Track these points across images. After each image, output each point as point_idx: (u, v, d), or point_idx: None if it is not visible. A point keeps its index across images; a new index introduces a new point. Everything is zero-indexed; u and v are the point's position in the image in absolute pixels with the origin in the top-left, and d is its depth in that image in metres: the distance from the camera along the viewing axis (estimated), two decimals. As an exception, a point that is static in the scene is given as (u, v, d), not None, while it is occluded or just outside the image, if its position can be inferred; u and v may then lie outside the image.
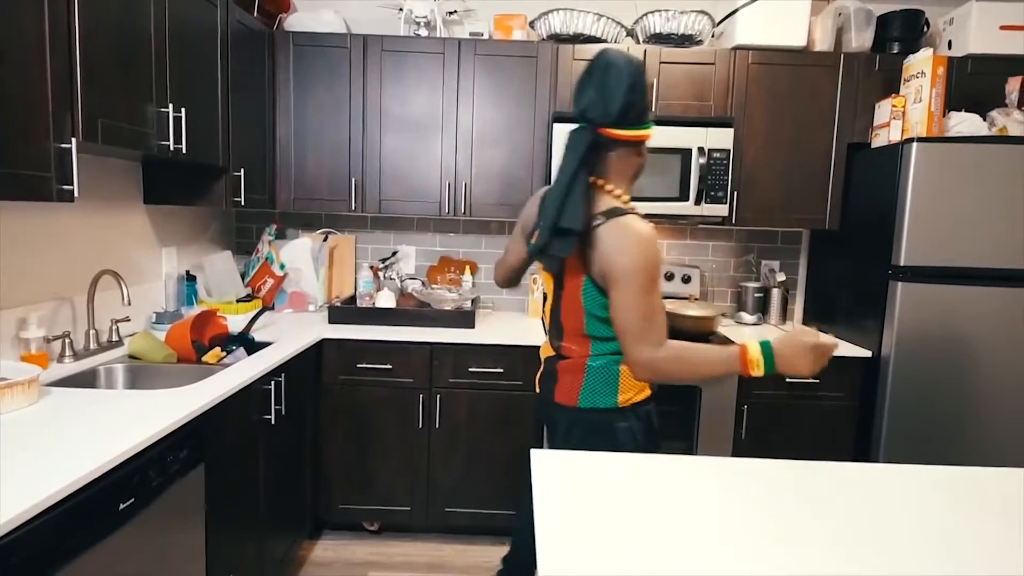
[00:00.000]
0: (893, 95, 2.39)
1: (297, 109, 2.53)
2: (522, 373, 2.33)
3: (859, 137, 2.54)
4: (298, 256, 2.70)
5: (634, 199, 2.45)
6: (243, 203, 2.26)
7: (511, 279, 1.68)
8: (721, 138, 2.44)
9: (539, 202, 1.46)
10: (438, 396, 2.34)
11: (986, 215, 2.12)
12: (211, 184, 2.19)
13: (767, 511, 1.00)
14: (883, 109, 2.45)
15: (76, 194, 1.40)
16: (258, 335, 2.20)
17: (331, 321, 2.44)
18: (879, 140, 2.45)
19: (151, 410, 1.36)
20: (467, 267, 2.83)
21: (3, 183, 1.23)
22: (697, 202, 2.46)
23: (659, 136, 2.43)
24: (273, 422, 1.88)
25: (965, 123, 2.30)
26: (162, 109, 1.74)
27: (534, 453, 1.23)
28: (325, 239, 2.79)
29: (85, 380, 1.72)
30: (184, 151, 1.84)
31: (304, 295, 2.72)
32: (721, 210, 2.47)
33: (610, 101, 1.27)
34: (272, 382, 1.86)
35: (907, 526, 0.97)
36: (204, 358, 1.94)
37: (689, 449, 2.34)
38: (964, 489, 1.12)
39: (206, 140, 2.01)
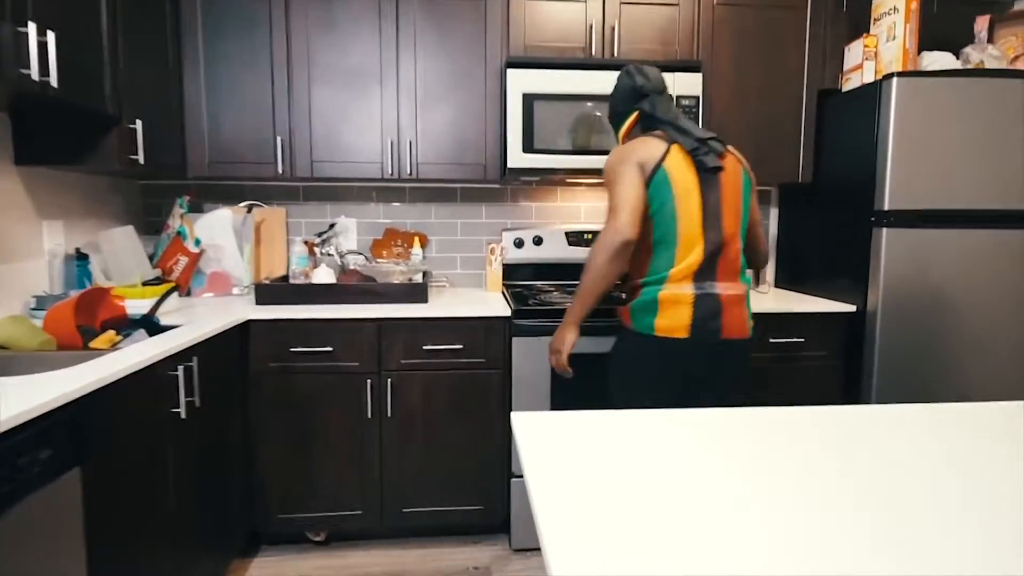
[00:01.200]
0: (864, 34, 2.26)
1: (208, 58, 2.17)
2: (484, 348, 2.06)
3: (829, 83, 2.40)
4: (217, 231, 2.34)
5: (595, 152, 2.23)
6: (143, 162, 1.89)
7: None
8: (690, 84, 2.24)
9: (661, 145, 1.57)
10: (389, 380, 2.04)
11: (973, 153, 2.00)
12: (100, 139, 1.82)
13: (784, 461, 0.77)
14: (854, 51, 2.32)
15: None
16: (168, 319, 1.84)
17: (259, 302, 2.10)
18: (851, 84, 2.32)
19: (7, 399, 1.02)
20: (416, 239, 2.53)
21: None
22: (666, 154, 2.25)
23: (623, 82, 2.21)
24: (184, 416, 1.53)
25: (939, 62, 2.18)
26: (20, 28, 1.37)
27: (515, 417, 0.96)
28: (249, 211, 2.44)
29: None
30: (56, 86, 1.47)
31: (227, 276, 2.35)
32: (692, 163, 2.27)
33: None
34: (180, 368, 1.52)
35: (919, 465, 0.76)
36: (92, 343, 1.57)
37: (671, 423, 2.12)
38: (966, 424, 0.93)
39: (87, 77, 1.65)
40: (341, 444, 2.05)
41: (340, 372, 2.02)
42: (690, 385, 1.57)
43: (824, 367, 2.19)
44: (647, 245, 1.56)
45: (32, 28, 1.39)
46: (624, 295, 1.67)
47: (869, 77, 2.23)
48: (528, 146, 2.20)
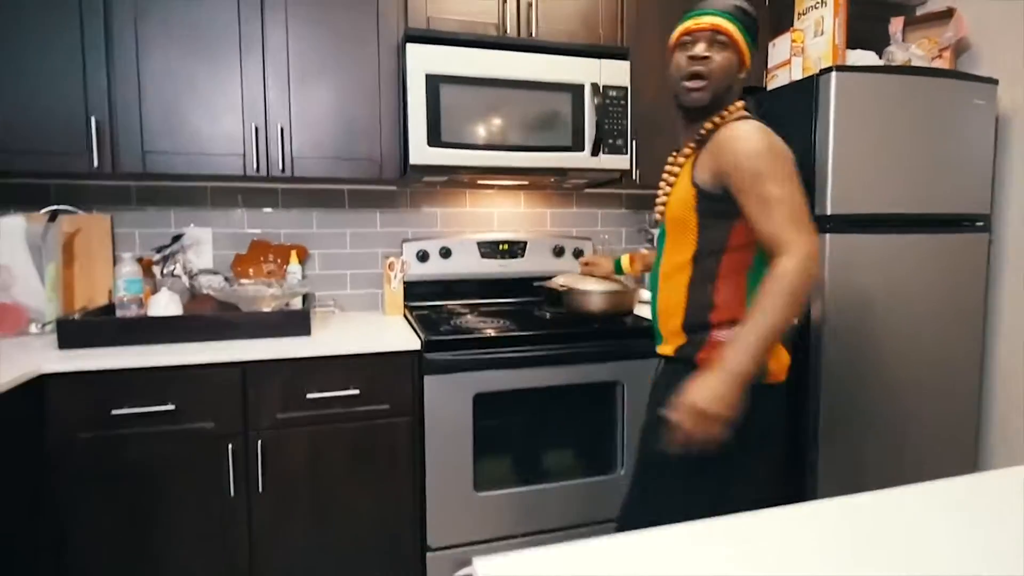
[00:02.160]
0: (791, 29, 2.12)
1: (-21, 4, 1.54)
2: (387, 391, 1.62)
3: (753, 81, 2.24)
4: (4, 247, 1.68)
5: (514, 148, 1.88)
6: None
7: None
8: (617, 73, 1.96)
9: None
10: (259, 442, 1.53)
11: (913, 153, 1.90)
12: None
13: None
14: (779, 47, 2.17)
15: None
16: (-95, 380, 1.21)
17: (63, 345, 1.50)
18: (778, 81, 2.17)
19: None
20: (293, 253, 2.03)
21: None
22: (594, 152, 1.95)
23: (545, 67, 1.88)
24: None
25: (864, 60, 2.09)
26: None
27: (477, 563, 0.57)
28: (53, 219, 1.80)
29: None
30: None
31: (19, 309, 1.70)
32: (622, 162, 1.99)
33: None
34: None
35: None
36: None
37: (611, 467, 1.81)
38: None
39: None
40: (193, 534, 1.51)
41: (187, 437, 1.48)
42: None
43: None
44: (751, 267, 1.17)
45: None
46: (715, 332, 1.17)
47: (798, 74, 2.08)
48: (434, 139, 1.80)
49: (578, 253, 2.31)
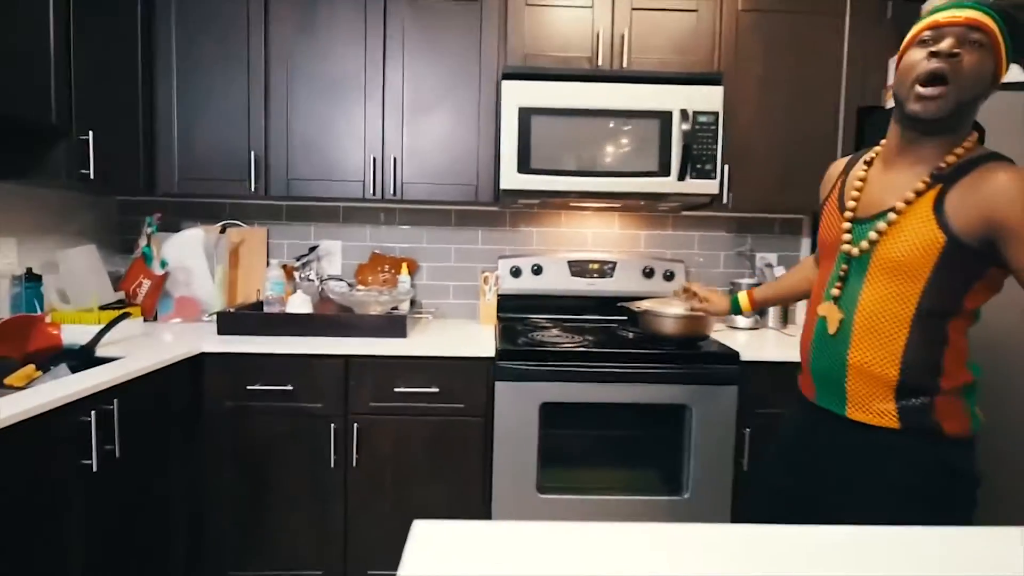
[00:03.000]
0: (913, 44, 1.97)
1: (181, 65, 2.02)
2: (463, 392, 1.82)
3: (871, 99, 2.11)
4: (187, 252, 2.16)
5: (600, 174, 1.99)
6: (93, 177, 1.73)
7: None
8: (708, 99, 1.98)
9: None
10: (355, 425, 1.81)
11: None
12: (47, 153, 1.66)
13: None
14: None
15: None
16: (116, 349, 1.65)
17: (220, 331, 1.90)
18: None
19: None
20: (404, 265, 2.32)
21: None
22: (681, 177, 1.99)
23: (633, 98, 1.97)
24: (95, 469, 1.32)
25: (1010, 74, 1.87)
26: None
27: (417, 525, 0.72)
28: (223, 231, 2.26)
29: None
30: (-26, 90, 1.31)
31: (196, 301, 2.17)
32: (710, 187, 2.00)
33: None
34: (93, 413, 1.31)
35: None
36: (7, 380, 1.39)
37: (676, 488, 1.83)
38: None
39: (27, 87, 1.49)
40: (300, 496, 1.82)
41: (300, 414, 1.80)
42: None
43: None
44: (967, 333, 1.06)
45: (-58, 25, 1.24)
46: (942, 399, 1.03)
47: (918, 92, 1.93)
48: (524, 165, 1.97)
49: (669, 275, 2.34)
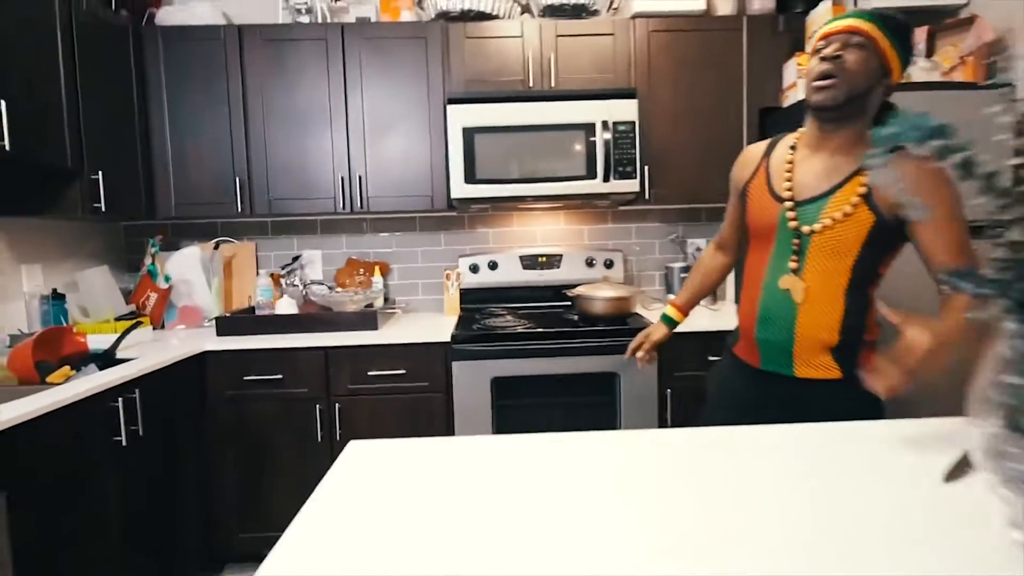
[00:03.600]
0: (798, 53, 2.29)
1: (172, 108, 2.34)
2: (426, 372, 2.15)
3: (771, 101, 2.43)
4: (186, 267, 2.50)
5: (537, 180, 2.31)
6: (104, 209, 2.06)
7: None
8: (625, 110, 2.31)
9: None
10: (336, 405, 2.15)
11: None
12: (64, 191, 1.99)
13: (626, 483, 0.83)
14: (789, 70, 2.35)
15: None
16: (131, 352, 1.99)
17: (219, 333, 2.23)
18: (789, 101, 2.35)
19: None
20: (377, 268, 2.65)
21: None
22: (606, 179, 2.31)
23: (560, 113, 2.29)
24: (125, 444, 1.66)
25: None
26: (-30, 99, 1.54)
27: (352, 445, 1.05)
28: (217, 247, 2.59)
29: None
30: (8, 148, 1.64)
31: (197, 309, 2.51)
32: (632, 185, 2.33)
33: None
34: (120, 400, 1.65)
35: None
36: (49, 378, 1.72)
37: (613, 442, 2.16)
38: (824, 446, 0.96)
39: (43, 137, 1.82)
40: (294, 467, 2.16)
41: (289, 398, 2.14)
42: None
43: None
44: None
45: (-18, 99, 1.57)
46: (870, 343, 1.24)
47: (802, 94, 2.25)
48: (470, 176, 2.30)
49: (609, 263, 2.66)
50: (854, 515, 0.73)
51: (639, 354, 1.67)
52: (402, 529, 0.73)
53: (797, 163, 1.25)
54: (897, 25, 1.15)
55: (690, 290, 1.62)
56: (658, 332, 1.65)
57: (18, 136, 1.69)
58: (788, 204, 1.22)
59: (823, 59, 1.14)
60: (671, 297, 2.37)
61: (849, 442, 0.98)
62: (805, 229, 1.20)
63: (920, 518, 0.72)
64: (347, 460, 0.98)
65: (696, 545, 0.67)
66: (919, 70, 2.14)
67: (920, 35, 2.30)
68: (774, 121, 2.38)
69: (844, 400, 1.20)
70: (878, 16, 1.14)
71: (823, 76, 1.14)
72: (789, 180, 1.24)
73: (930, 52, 2.28)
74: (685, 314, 1.63)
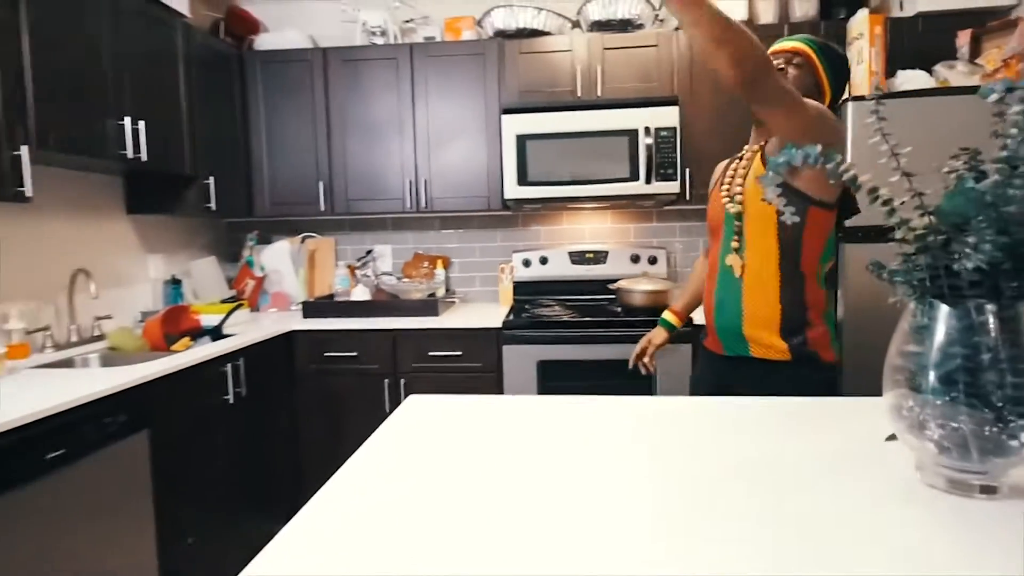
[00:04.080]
0: (837, 60, 2.39)
1: (268, 121, 2.72)
2: (480, 354, 2.42)
3: (812, 105, 2.53)
4: (277, 259, 2.88)
5: (584, 182, 2.52)
6: (214, 209, 2.45)
7: None
8: (667, 117, 2.48)
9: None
10: (402, 380, 2.45)
11: (929, 171, 2.08)
12: (184, 193, 2.39)
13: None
14: (830, 75, 2.44)
15: (29, 194, 1.59)
16: (233, 330, 2.37)
17: (305, 316, 2.59)
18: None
19: (97, 381, 1.52)
20: (439, 261, 2.94)
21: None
22: (648, 180, 2.50)
23: (606, 120, 2.50)
24: (232, 402, 2.03)
25: (910, 80, 2.27)
26: (119, 121, 1.94)
27: (411, 399, 1.32)
28: (303, 241, 2.97)
29: (62, 366, 1.91)
30: (145, 159, 2.04)
31: (285, 295, 2.89)
32: (673, 187, 2.50)
33: None
34: (229, 366, 2.01)
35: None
36: (173, 347, 2.11)
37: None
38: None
39: (170, 150, 2.22)
40: (366, 432, 2.48)
41: (363, 373, 2.46)
42: None
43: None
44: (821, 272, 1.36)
45: (127, 121, 1.96)
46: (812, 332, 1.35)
47: (841, 99, 2.35)
48: (522, 179, 2.55)
49: (652, 260, 2.84)
50: (795, 466, 0.93)
51: (645, 359, 1.78)
52: (442, 475, 0.89)
53: (739, 165, 1.42)
54: (834, 55, 1.35)
55: (686, 297, 1.75)
56: (659, 337, 1.76)
57: (152, 149, 2.08)
58: (726, 197, 1.39)
59: None
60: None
61: (800, 413, 1.16)
62: (732, 210, 1.35)
63: (849, 465, 0.91)
64: (404, 411, 1.24)
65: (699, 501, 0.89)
66: (958, 73, 2.19)
67: (964, 38, 2.35)
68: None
69: (791, 381, 1.30)
70: (819, 44, 1.34)
71: None
72: (731, 177, 1.41)
73: (974, 55, 2.32)
74: (683, 319, 1.76)
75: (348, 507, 0.78)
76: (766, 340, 1.36)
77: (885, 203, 0.77)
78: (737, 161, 1.45)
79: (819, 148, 0.78)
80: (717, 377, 1.49)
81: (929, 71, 2.29)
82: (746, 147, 1.48)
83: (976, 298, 0.73)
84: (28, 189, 1.58)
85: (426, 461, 0.95)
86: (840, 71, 1.36)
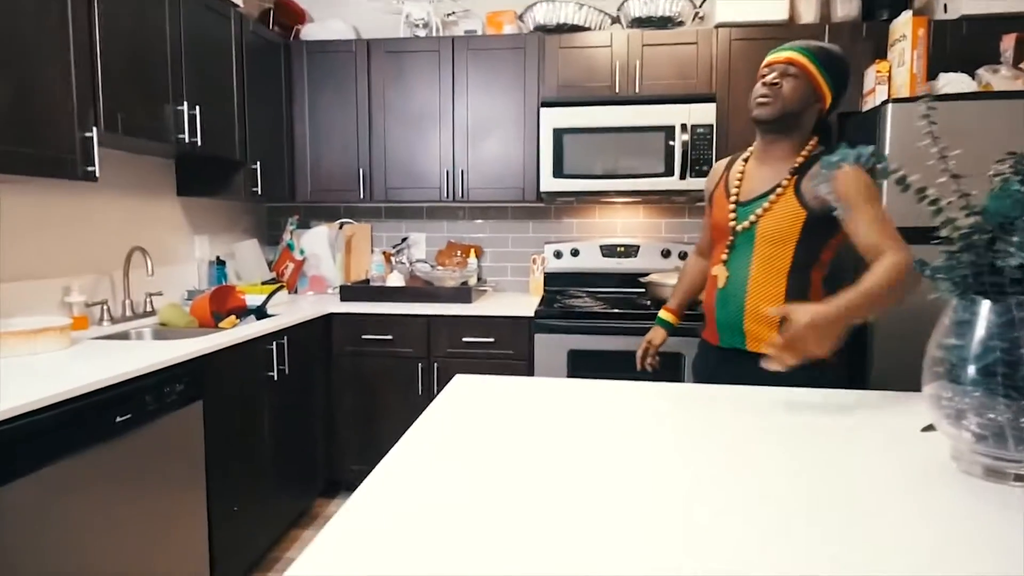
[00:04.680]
0: (878, 60, 2.39)
1: (311, 109, 2.81)
2: (511, 342, 2.48)
3: (852, 106, 2.53)
4: (316, 243, 2.97)
5: (619, 176, 2.56)
6: (260, 193, 2.55)
7: None
8: (704, 114, 2.50)
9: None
10: (435, 365, 2.53)
11: (969, 173, 2.08)
12: (232, 177, 2.49)
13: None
14: (870, 75, 2.44)
15: (97, 175, 1.68)
16: (275, 310, 2.46)
17: (342, 299, 2.68)
18: (867, 106, 2.44)
19: (157, 353, 1.62)
20: (472, 251, 3.01)
21: (41, 163, 1.52)
22: (682, 176, 2.53)
23: (643, 116, 2.53)
24: (276, 379, 2.12)
25: (952, 83, 2.26)
26: (178, 107, 2.03)
27: (457, 378, 1.38)
28: (341, 227, 3.06)
29: (119, 338, 2.01)
30: (200, 144, 2.13)
31: (323, 279, 2.98)
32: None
33: None
34: (274, 344, 2.10)
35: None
36: (220, 324, 2.21)
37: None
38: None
39: (222, 136, 2.30)
40: (398, 414, 2.57)
41: (398, 356, 2.54)
42: None
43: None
44: (826, 278, 1.46)
45: (185, 106, 2.05)
46: None
47: (881, 100, 2.35)
48: (558, 172, 2.59)
49: (683, 255, 2.87)
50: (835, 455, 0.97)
51: (648, 360, 1.82)
52: (492, 456, 0.97)
53: (747, 172, 1.50)
54: (832, 59, 1.37)
55: (679, 295, 1.82)
56: (658, 337, 1.80)
57: (207, 134, 2.17)
58: (731, 206, 1.48)
59: (763, 84, 1.39)
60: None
61: (831, 404, 1.20)
62: (738, 228, 1.45)
63: (885, 454, 0.95)
64: (452, 390, 1.31)
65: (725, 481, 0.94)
66: (1002, 78, 2.18)
67: (1008, 42, 2.33)
68: (853, 125, 2.49)
69: (789, 375, 1.27)
70: (814, 51, 1.37)
71: (762, 96, 1.39)
72: (739, 185, 1.49)
73: (1018, 60, 2.30)
74: (678, 316, 1.81)
75: (401, 488, 0.79)
76: (767, 336, 1.42)
77: (932, 203, 0.81)
78: (742, 163, 1.52)
79: (870, 149, 0.82)
80: (710, 367, 1.57)
81: (971, 75, 2.28)
82: (750, 149, 1.53)
83: (1017, 294, 0.77)
84: (97, 169, 1.68)
85: (476, 440, 1.01)
86: (839, 74, 1.39)
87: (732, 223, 1.47)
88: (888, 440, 0.98)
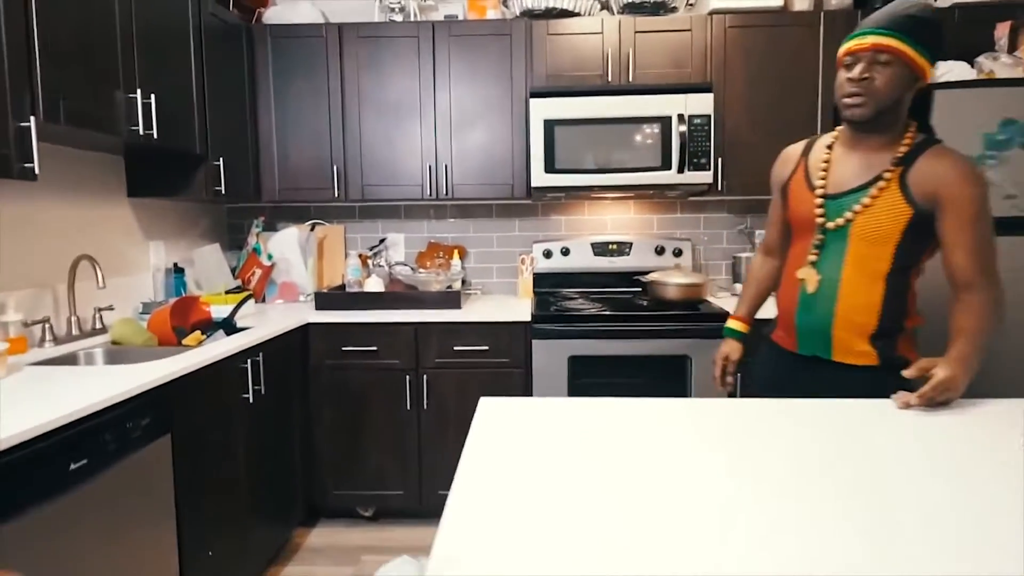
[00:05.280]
0: (876, 49, 2.33)
1: (277, 100, 2.56)
2: (507, 349, 2.31)
3: (846, 96, 2.47)
4: (286, 247, 2.72)
5: (615, 170, 2.43)
6: (223, 192, 2.29)
7: None
8: (701, 104, 2.39)
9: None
10: (424, 376, 2.33)
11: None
12: (191, 174, 2.23)
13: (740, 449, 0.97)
14: (868, 64, 2.38)
15: (37, 172, 1.43)
16: (244, 322, 2.22)
17: (318, 307, 2.45)
18: (865, 96, 2.38)
19: (114, 381, 1.37)
20: (455, 252, 2.82)
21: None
22: (680, 170, 2.41)
23: (638, 106, 2.40)
24: (251, 401, 1.88)
25: (952, 72, 2.22)
26: (130, 95, 1.77)
27: (483, 401, 1.21)
28: (312, 229, 2.81)
29: (65, 362, 1.74)
30: (155, 137, 1.87)
31: (294, 285, 2.74)
32: (705, 177, 2.42)
33: None
34: (248, 362, 1.87)
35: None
36: (184, 341, 1.96)
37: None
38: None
39: (180, 127, 2.05)
40: (384, 432, 2.36)
41: (383, 369, 2.33)
42: None
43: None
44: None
45: (138, 94, 1.79)
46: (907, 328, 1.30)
47: (881, 89, 2.29)
48: (550, 166, 2.43)
49: (677, 252, 2.76)
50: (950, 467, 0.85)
51: (728, 379, 1.61)
52: (548, 483, 0.88)
53: (834, 160, 1.31)
54: (922, 27, 1.16)
55: (748, 302, 1.63)
56: (735, 351, 1.60)
57: (162, 126, 1.91)
58: (818, 200, 1.30)
59: (850, 80, 1.20)
60: (734, 305, 2.44)
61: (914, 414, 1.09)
62: (830, 225, 1.28)
63: (982, 469, 0.83)
64: (484, 414, 1.14)
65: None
66: (1002, 65, 2.15)
67: (1002, 30, 2.31)
68: (849, 115, 2.43)
69: (880, 387, 1.22)
70: (901, 25, 1.16)
71: (852, 95, 1.20)
72: (824, 175, 1.30)
73: (1013, 47, 2.28)
74: (749, 325, 1.62)
75: (487, 514, 0.75)
76: (856, 346, 1.29)
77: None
78: (826, 150, 1.33)
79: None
80: (787, 375, 1.41)
81: (970, 63, 2.25)
82: (833, 133, 1.36)
83: None
84: (36, 166, 1.42)
85: (534, 464, 0.88)
86: (934, 40, 1.19)
87: (821, 219, 1.29)
88: (983, 454, 0.87)
